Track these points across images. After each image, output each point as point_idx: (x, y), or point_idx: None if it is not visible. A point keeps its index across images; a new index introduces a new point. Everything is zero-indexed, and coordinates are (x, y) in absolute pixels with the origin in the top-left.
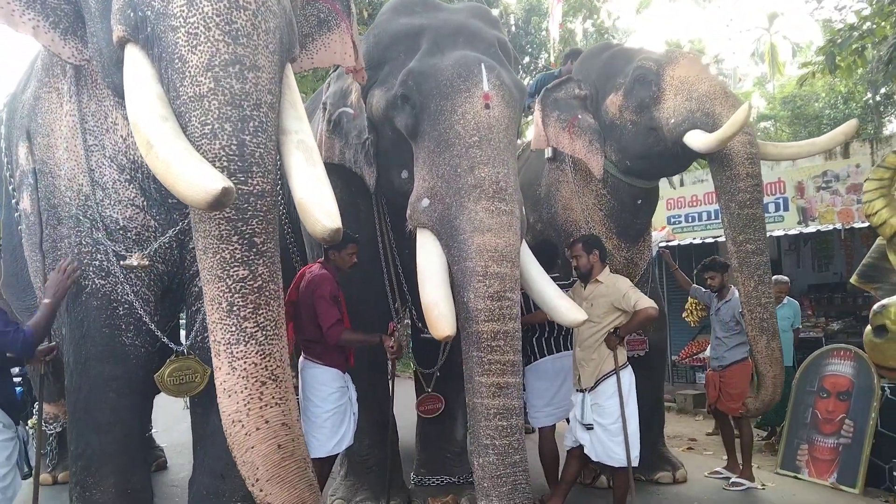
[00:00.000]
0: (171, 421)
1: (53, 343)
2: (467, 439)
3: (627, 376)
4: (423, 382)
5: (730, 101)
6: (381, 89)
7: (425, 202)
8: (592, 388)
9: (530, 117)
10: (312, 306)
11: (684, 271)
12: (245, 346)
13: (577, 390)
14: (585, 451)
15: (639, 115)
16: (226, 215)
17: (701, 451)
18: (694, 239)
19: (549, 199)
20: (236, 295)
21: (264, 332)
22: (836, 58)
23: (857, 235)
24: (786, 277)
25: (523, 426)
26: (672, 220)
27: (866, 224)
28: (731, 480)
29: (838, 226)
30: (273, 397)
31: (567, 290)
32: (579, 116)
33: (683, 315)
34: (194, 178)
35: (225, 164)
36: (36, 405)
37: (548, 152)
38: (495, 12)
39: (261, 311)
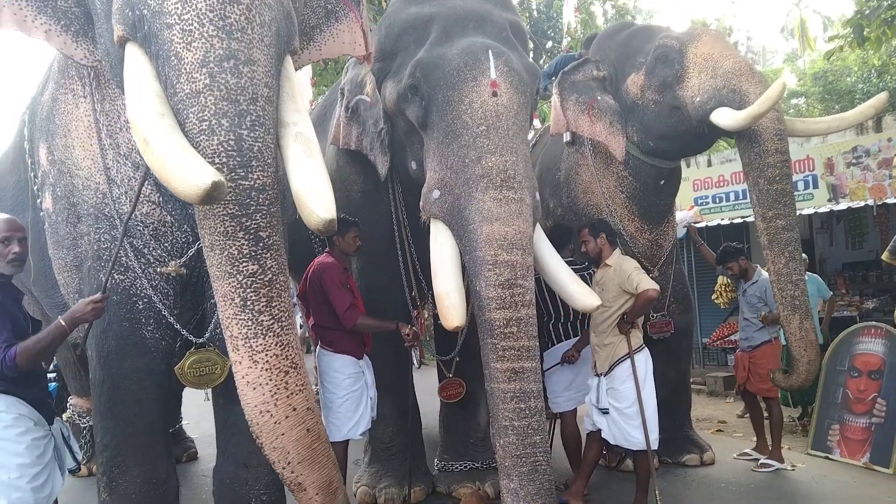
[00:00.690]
0: (201, 412)
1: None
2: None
3: (643, 360)
4: (443, 368)
5: (756, 78)
6: (393, 81)
7: (436, 193)
8: (608, 373)
9: (549, 101)
10: (321, 294)
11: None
12: (264, 339)
13: (595, 375)
14: (603, 434)
15: (661, 94)
16: (229, 212)
17: (731, 433)
18: (722, 220)
19: (569, 184)
20: (248, 290)
21: (280, 324)
22: (865, 29)
23: (892, 211)
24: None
25: (543, 409)
26: (699, 200)
27: None
28: (759, 462)
29: (870, 202)
30: (297, 385)
31: (583, 275)
32: (598, 98)
33: (713, 297)
34: (186, 172)
35: (224, 159)
36: (70, 399)
37: (566, 136)
38: None
39: (274, 304)
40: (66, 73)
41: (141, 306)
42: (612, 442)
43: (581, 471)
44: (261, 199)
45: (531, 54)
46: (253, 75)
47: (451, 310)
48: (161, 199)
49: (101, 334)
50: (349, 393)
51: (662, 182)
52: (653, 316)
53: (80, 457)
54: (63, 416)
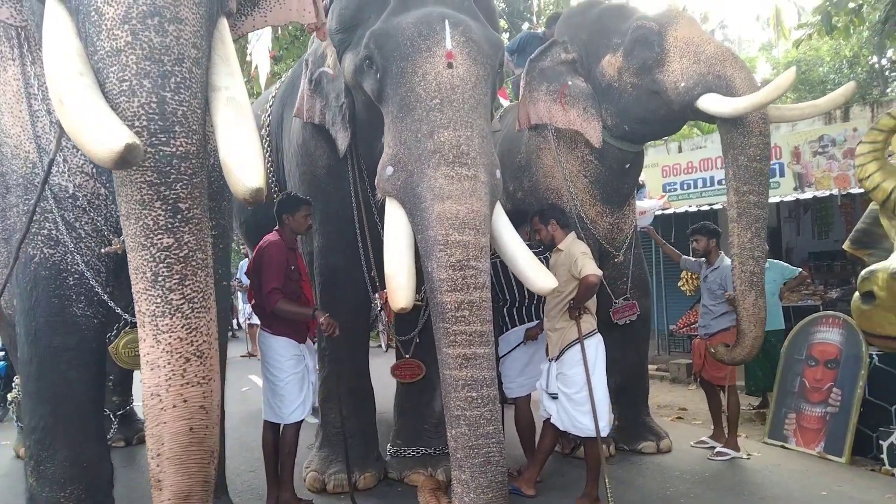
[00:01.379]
0: None
1: None
2: None
3: (594, 345)
4: (402, 349)
5: (739, 64)
6: (352, 53)
7: (389, 170)
8: (558, 358)
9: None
10: (261, 273)
11: (680, 240)
12: (171, 319)
13: (548, 360)
14: (552, 420)
15: (640, 78)
16: (147, 179)
17: (690, 420)
18: (690, 207)
19: (530, 167)
20: (161, 265)
21: (191, 305)
22: (833, 18)
23: (858, 201)
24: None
25: (496, 398)
26: (668, 187)
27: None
28: (715, 450)
29: (835, 191)
30: (196, 375)
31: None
32: (570, 83)
33: (679, 284)
34: (98, 134)
35: (145, 123)
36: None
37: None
38: None
39: (188, 283)
40: None
41: (71, 282)
42: (560, 428)
43: (535, 458)
44: (182, 168)
45: (505, 34)
46: (179, 34)
47: (398, 291)
48: (95, 170)
49: (28, 310)
50: (291, 375)
51: (627, 166)
52: (615, 301)
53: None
54: (9, 395)
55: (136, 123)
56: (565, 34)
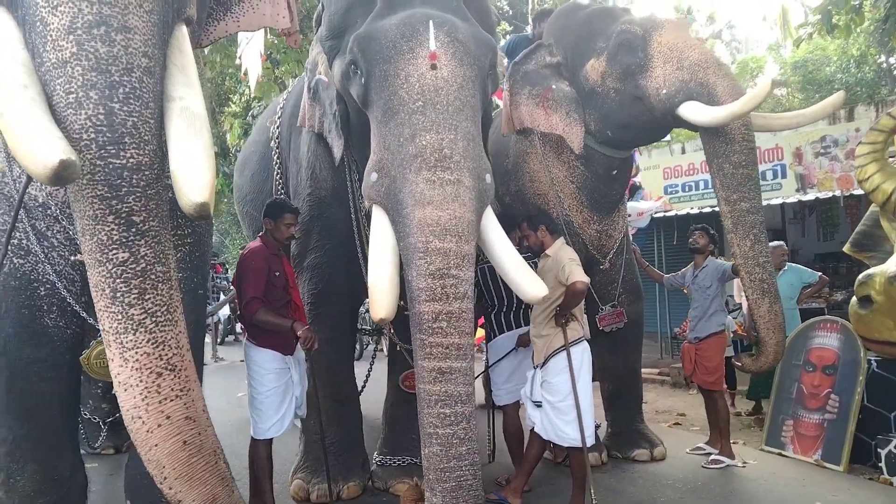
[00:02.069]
0: None
1: None
2: None
3: (579, 352)
4: (408, 357)
5: (723, 71)
6: (340, 59)
7: (374, 176)
8: (543, 365)
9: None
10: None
11: (682, 242)
12: (135, 335)
13: (533, 367)
14: (536, 429)
15: (623, 83)
16: (98, 193)
17: (688, 426)
18: (692, 209)
19: (517, 172)
20: (118, 280)
21: (154, 319)
22: (834, 17)
23: (863, 202)
24: (782, 243)
25: (472, 415)
26: (669, 189)
27: None
28: (710, 458)
29: (838, 192)
30: (172, 389)
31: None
32: (553, 87)
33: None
34: (33, 149)
35: (93, 135)
36: None
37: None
38: None
39: (147, 297)
40: None
41: (43, 292)
42: (544, 437)
43: (522, 467)
44: (134, 180)
45: (508, 36)
46: (128, 44)
47: (379, 299)
48: None
49: None
50: (271, 389)
51: (615, 172)
52: (602, 308)
53: None
54: None
55: (84, 136)
56: (551, 36)
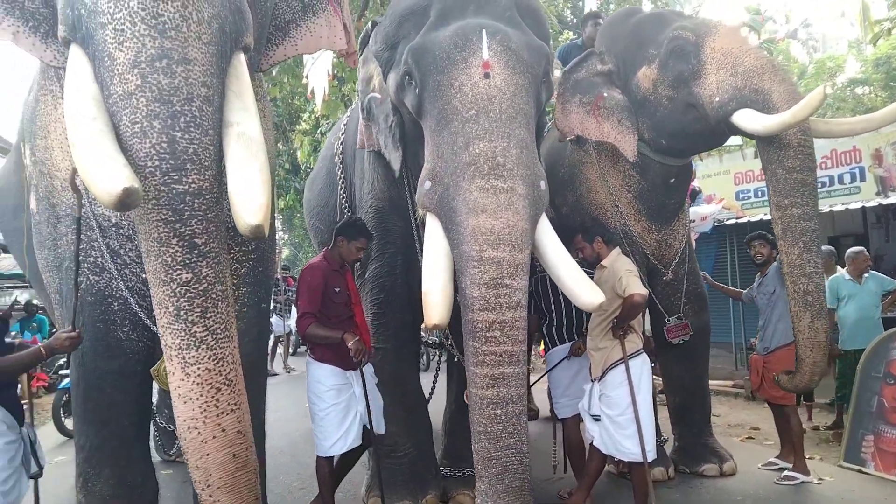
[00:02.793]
0: None
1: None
2: None
3: (638, 365)
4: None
5: (779, 76)
6: (395, 71)
7: (427, 185)
8: (601, 378)
9: None
10: None
11: None
12: (197, 351)
13: (591, 380)
14: (595, 443)
15: (676, 91)
16: (163, 217)
17: (762, 440)
18: (765, 215)
19: (573, 182)
20: (182, 299)
21: (215, 336)
22: None
23: None
24: (862, 248)
25: (522, 413)
26: (741, 194)
27: None
28: (783, 474)
29: None
30: (228, 404)
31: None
32: (605, 95)
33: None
34: (99, 178)
35: (157, 163)
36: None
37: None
38: None
39: (209, 315)
40: (46, 74)
41: (116, 307)
42: (603, 451)
43: (583, 481)
44: (196, 204)
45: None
46: (188, 75)
47: (432, 308)
48: None
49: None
50: (331, 406)
51: (672, 181)
52: (668, 319)
53: (43, 463)
54: None
55: (149, 163)
56: (603, 44)
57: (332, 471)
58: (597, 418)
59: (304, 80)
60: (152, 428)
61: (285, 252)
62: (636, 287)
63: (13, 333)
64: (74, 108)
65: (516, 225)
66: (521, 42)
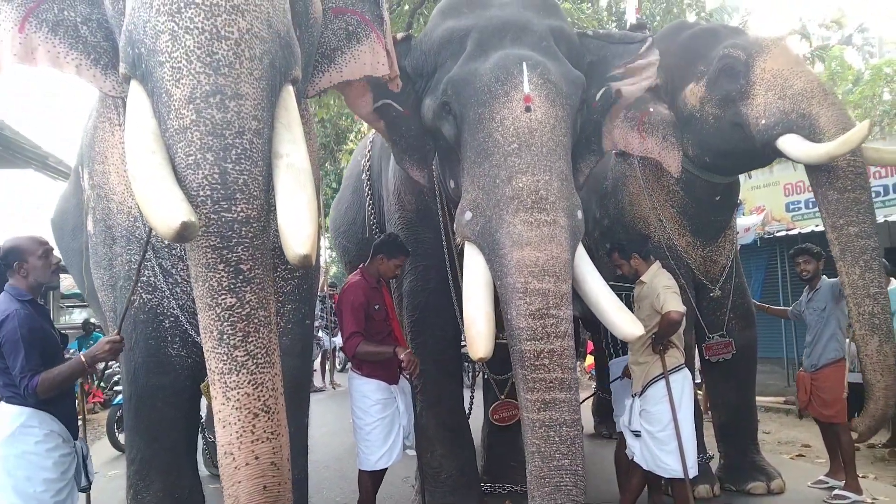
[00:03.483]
0: None
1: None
2: None
3: (679, 381)
4: (496, 389)
5: (828, 101)
6: (431, 98)
7: (468, 215)
8: (641, 393)
9: None
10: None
11: None
12: (237, 375)
13: (631, 395)
14: (636, 459)
15: (723, 110)
16: (211, 243)
17: (813, 458)
18: (816, 226)
19: (616, 195)
20: (225, 323)
21: (255, 361)
22: None
23: None
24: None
25: (577, 437)
26: (791, 206)
27: None
28: (833, 492)
29: None
30: (265, 431)
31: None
32: (651, 110)
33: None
34: (159, 211)
35: (208, 192)
36: None
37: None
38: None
39: (250, 340)
40: (105, 102)
41: (167, 325)
42: (644, 467)
43: (624, 497)
44: (243, 232)
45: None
46: (240, 109)
47: (477, 339)
48: None
49: (128, 351)
50: (378, 420)
51: (718, 198)
52: (709, 337)
53: (92, 477)
54: None
55: (201, 193)
56: None
57: (374, 485)
58: (637, 434)
59: None
60: (200, 442)
61: (332, 269)
62: (673, 304)
63: (72, 351)
64: (135, 142)
65: (560, 256)
66: (560, 74)
